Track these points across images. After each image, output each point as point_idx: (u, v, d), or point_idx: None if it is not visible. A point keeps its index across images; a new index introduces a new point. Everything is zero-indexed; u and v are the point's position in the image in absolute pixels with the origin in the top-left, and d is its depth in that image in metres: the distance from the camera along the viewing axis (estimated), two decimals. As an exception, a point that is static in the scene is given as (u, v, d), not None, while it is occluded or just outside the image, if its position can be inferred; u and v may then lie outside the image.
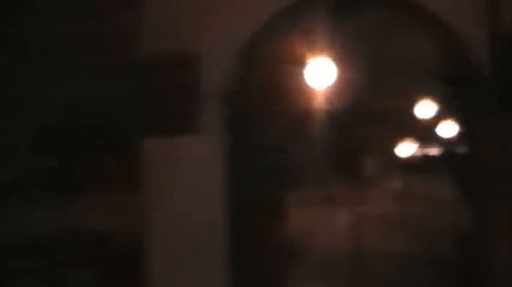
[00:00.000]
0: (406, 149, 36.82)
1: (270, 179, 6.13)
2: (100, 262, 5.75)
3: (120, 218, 5.72)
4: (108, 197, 5.68)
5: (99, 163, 5.69)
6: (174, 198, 5.53)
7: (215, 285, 5.58)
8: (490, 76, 5.39)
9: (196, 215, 5.50)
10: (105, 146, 5.70)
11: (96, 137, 5.73)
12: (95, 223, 5.78)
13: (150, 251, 5.57)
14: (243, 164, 5.90)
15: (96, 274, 5.73)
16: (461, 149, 6.65)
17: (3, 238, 5.12)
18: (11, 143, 5.49)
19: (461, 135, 6.67)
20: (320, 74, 20.94)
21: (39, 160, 5.64)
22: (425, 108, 25.46)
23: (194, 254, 5.50)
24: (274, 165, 6.21)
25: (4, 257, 5.03)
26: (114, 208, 5.70)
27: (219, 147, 5.74)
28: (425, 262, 6.15)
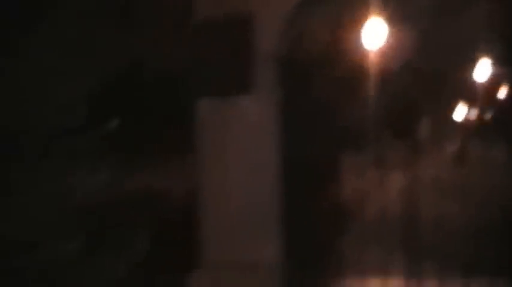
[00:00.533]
0: (463, 112, 36.13)
1: (324, 140, 6.08)
2: (155, 224, 5.84)
3: (176, 179, 5.79)
4: (166, 158, 5.75)
5: (157, 125, 5.75)
6: (228, 158, 5.55)
7: (268, 246, 5.61)
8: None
9: (249, 176, 5.53)
10: (162, 108, 5.74)
11: (154, 99, 5.78)
12: (152, 184, 5.86)
13: (204, 211, 5.62)
14: (297, 125, 5.87)
15: (152, 235, 5.82)
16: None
17: (64, 201, 5.22)
18: (70, 105, 5.57)
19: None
20: (375, 34, 20.63)
21: (98, 124, 5.72)
22: (484, 71, 24.86)
23: (247, 215, 5.53)
24: (328, 126, 6.14)
25: (66, 220, 5.14)
26: (171, 169, 5.77)
27: (273, 108, 5.72)
28: (480, 227, 6.04)
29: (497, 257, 5.87)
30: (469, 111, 28.18)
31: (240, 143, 5.54)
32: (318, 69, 6.09)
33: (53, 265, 4.97)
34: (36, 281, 4.83)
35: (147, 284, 5.64)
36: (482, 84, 23.76)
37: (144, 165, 6.26)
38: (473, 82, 23.36)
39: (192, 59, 5.62)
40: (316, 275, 5.97)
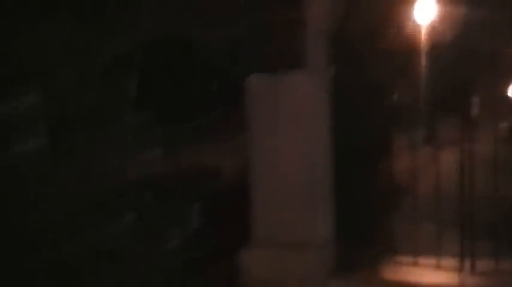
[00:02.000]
0: (516, 89, 35.36)
1: (376, 117, 6.01)
2: (207, 200, 5.88)
3: (227, 155, 5.80)
4: (217, 134, 5.76)
5: (208, 100, 5.75)
6: (279, 135, 5.53)
7: (319, 224, 5.59)
8: None
9: (301, 153, 5.50)
10: (213, 83, 5.75)
11: (205, 76, 5.79)
12: (203, 161, 5.89)
13: (255, 189, 5.63)
14: (349, 103, 5.82)
15: (204, 211, 5.86)
16: None
17: (115, 179, 5.28)
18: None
19: None
20: (427, 10, 20.32)
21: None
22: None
23: (299, 192, 5.51)
24: (381, 103, 6.07)
25: (117, 198, 5.21)
26: (222, 146, 5.78)
27: (325, 84, 5.68)
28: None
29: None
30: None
31: (292, 120, 5.51)
32: (369, 45, 6.02)
33: (105, 240, 5.05)
34: (90, 258, 4.91)
35: (200, 261, 5.68)
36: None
37: (195, 141, 6.29)
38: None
39: (243, 35, 5.60)
40: (368, 253, 5.94)
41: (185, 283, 5.53)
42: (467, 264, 6.10)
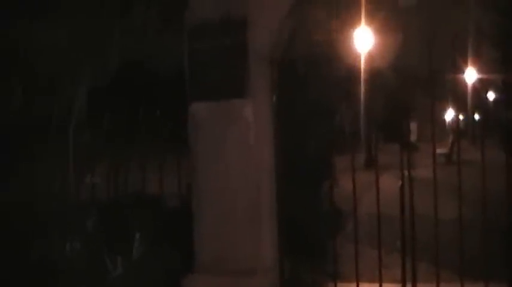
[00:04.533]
0: (454, 113, 36.17)
1: (317, 142, 6.09)
2: (150, 226, 5.83)
3: (171, 181, 5.77)
4: (160, 161, 5.72)
5: (152, 128, 5.73)
6: (222, 162, 5.54)
7: (263, 247, 5.60)
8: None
9: (245, 178, 5.51)
10: (156, 109, 5.73)
11: (146, 102, 5.77)
12: (147, 187, 5.85)
13: (197, 216, 5.61)
14: (292, 127, 5.88)
15: (146, 237, 5.81)
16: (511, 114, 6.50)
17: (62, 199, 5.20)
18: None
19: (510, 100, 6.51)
20: (366, 39, 20.73)
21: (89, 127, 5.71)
22: (474, 73, 24.95)
23: (240, 218, 5.52)
24: (322, 128, 6.16)
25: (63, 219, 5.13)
26: (166, 172, 5.76)
27: (268, 110, 5.72)
28: (474, 227, 6.05)
29: (492, 260, 5.89)
30: (458, 112, 28.26)
31: (235, 145, 5.53)
32: (312, 71, 6.11)
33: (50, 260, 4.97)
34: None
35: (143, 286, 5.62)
36: (471, 86, 23.86)
37: (138, 168, 6.25)
38: (465, 84, 23.47)
39: (188, 62, 5.61)
40: (312, 278, 5.97)
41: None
42: (408, 287, 6.18)
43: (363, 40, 20.17)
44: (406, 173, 6.43)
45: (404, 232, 6.27)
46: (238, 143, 5.52)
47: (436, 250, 6.01)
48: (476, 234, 5.98)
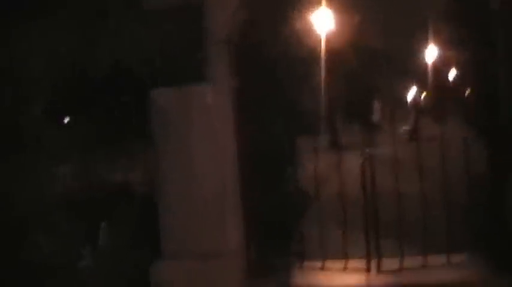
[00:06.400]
0: (416, 92, 36.57)
1: (280, 125, 6.11)
2: (117, 216, 5.81)
3: (136, 170, 5.75)
4: (125, 149, 5.70)
5: (114, 117, 5.69)
6: (186, 148, 5.53)
7: (229, 233, 5.62)
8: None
9: (208, 163, 5.52)
10: (117, 97, 5.69)
11: (108, 89, 5.72)
12: (112, 176, 5.82)
13: (164, 201, 5.60)
14: (254, 111, 5.89)
15: (111, 225, 5.79)
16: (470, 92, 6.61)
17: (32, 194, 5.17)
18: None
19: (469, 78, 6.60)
20: (327, 19, 20.76)
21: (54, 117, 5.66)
22: (434, 52, 25.21)
23: (206, 203, 5.52)
24: (284, 111, 6.18)
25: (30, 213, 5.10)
26: (131, 160, 5.73)
27: (229, 94, 5.72)
28: (438, 204, 6.16)
29: (453, 234, 6.01)
30: (420, 91, 28.63)
31: (198, 131, 5.52)
32: (272, 53, 6.11)
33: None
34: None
35: (111, 275, 5.61)
36: (432, 65, 24.12)
37: (103, 157, 6.21)
38: (426, 63, 23.72)
39: (147, 47, 5.58)
40: (279, 260, 6.02)
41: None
42: (373, 264, 6.27)
43: (323, 21, 20.19)
44: (368, 152, 6.51)
45: (367, 209, 6.35)
46: (200, 128, 5.52)
47: (399, 226, 6.12)
48: (438, 209, 6.10)
